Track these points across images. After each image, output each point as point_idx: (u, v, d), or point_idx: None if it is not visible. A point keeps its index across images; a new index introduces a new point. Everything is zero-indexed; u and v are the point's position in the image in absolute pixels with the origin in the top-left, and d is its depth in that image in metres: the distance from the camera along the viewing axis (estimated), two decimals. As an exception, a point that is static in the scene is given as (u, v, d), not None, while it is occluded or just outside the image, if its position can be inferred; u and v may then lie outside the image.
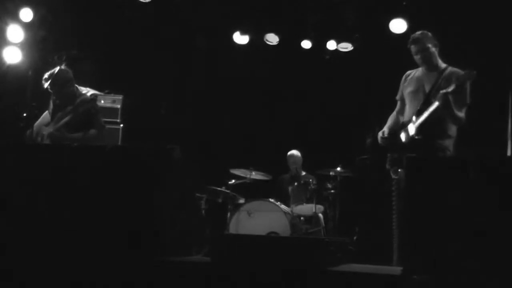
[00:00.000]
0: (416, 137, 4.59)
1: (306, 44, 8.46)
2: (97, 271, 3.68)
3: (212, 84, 8.73)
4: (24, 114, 5.31)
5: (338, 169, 7.16)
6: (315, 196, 7.12)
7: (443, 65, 4.85)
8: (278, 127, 8.69)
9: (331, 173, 7.24)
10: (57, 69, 5.25)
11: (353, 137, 7.81)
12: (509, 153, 5.36)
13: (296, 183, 7.42)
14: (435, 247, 3.37)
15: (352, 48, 8.42)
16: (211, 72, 8.75)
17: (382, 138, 4.99)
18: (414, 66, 5.02)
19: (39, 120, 5.41)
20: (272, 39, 8.56)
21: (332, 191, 7.26)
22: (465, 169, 3.47)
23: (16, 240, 3.87)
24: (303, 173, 7.89)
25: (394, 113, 5.13)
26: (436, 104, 4.48)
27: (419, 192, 3.52)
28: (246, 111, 8.68)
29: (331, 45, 8.41)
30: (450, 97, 4.44)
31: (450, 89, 4.41)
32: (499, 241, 3.27)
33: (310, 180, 7.37)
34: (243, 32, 8.43)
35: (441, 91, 4.46)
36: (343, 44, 8.43)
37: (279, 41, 8.55)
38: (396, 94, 5.18)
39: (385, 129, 5.05)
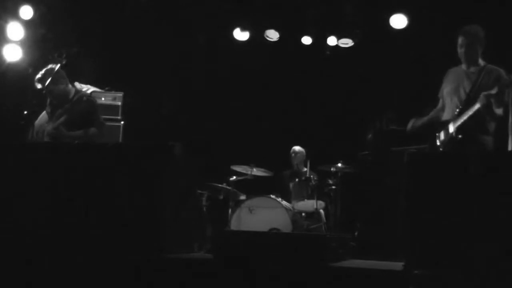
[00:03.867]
0: (456, 136, 4.62)
1: (307, 40, 8.45)
2: (98, 269, 3.69)
3: (213, 80, 8.73)
4: (25, 112, 5.31)
5: (339, 165, 7.16)
6: (316, 192, 7.13)
7: (482, 62, 4.83)
8: (279, 124, 8.69)
9: (332, 169, 7.24)
10: (48, 68, 5.25)
11: (354, 133, 7.82)
12: (510, 148, 5.34)
13: (297, 179, 7.42)
14: (436, 242, 3.37)
15: (352, 44, 8.41)
16: (211, 69, 8.74)
17: (416, 125, 5.01)
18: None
19: (39, 119, 5.41)
20: (272, 35, 8.55)
21: (333, 187, 7.26)
22: (466, 164, 3.47)
23: (17, 238, 3.87)
24: (304, 169, 7.89)
25: (436, 109, 5.09)
26: (477, 105, 4.50)
27: (420, 187, 3.52)
28: (247, 108, 8.67)
29: (332, 41, 8.41)
30: (492, 99, 4.47)
31: (493, 91, 4.45)
32: (499, 236, 3.27)
33: (311, 176, 7.38)
34: (243, 29, 8.42)
35: (483, 93, 4.48)
36: (343, 40, 8.42)
37: (280, 37, 8.53)
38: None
39: (425, 118, 5.05)
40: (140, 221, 3.79)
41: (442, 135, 4.80)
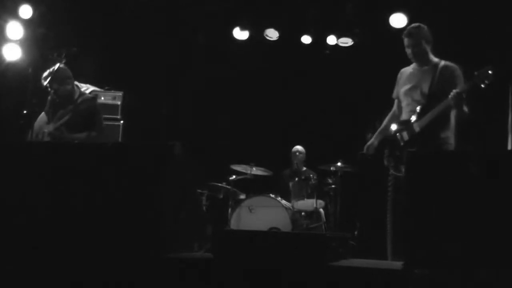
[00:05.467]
0: (421, 134, 4.55)
1: (306, 39, 8.45)
2: (97, 269, 3.69)
3: (212, 79, 8.73)
4: (24, 112, 5.30)
5: (339, 164, 7.17)
6: (316, 192, 7.14)
7: (435, 59, 4.78)
8: (279, 123, 8.69)
9: (331, 168, 7.25)
10: (56, 66, 5.23)
11: (353, 132, 7.82)
12: (509, 147, 5.34)
13: (297, 179, 7.43)
14: (436, 241, 3.37)
15: (352, 43, 8.42)
16: (211, 68, 8.74)
17: (369, 151, 5.01)
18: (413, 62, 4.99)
19: (38, 119, 5.40)
20: (272, 34, 8.56)
21: (333, 186, 7.27)
22: (466, 163, 3.47)
23: (18, 238, 3.87)
24: (304, 168, 7.90)
25: (391, 114, 5.08)
26: (447, 103, 4.42)
27: (420, 187, 3.52)
28: (247, 107, 8.68)
29: (331, 40, 8.42)
30: (464, 96, 4.37)
31: (465, 88, 4.36)
32: (499, 235, 3.27)
33: (311, 175, 7.39)
34: (243, 28, 8.43)
35: (455, 91, 4.37)
36: (343, 39, 8.43)
37: (279, 37, 8.54)
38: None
39: (374, 139, 5.04)
40: (140, 221, 3.79)
41: (405, 135, 4.71)
